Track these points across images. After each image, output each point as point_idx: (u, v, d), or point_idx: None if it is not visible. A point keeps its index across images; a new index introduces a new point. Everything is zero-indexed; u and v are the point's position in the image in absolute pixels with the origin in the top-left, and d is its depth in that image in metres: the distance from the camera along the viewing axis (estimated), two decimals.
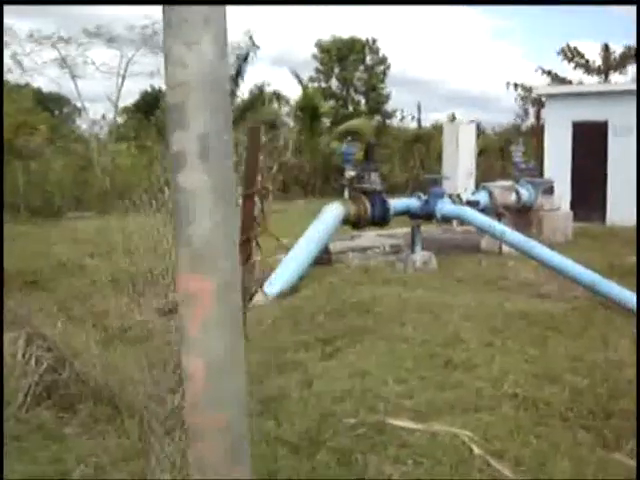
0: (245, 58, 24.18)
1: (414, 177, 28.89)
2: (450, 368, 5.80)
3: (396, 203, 10.77)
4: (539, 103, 33.46)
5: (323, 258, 11.66)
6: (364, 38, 44.77)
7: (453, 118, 36.18)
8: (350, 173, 10.17)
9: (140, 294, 10.08)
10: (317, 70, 44.96)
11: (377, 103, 44.57)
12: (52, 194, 21.23)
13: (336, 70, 45.07)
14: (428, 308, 7.97)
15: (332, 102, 44.83)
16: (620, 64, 32.52)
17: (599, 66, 33.17)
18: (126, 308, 9.34)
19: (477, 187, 12.77)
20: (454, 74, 64.49)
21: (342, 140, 26.75)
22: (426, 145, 32.27)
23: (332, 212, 10.14)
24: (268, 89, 26.22)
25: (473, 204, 11.82)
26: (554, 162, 18.42)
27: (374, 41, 45.16)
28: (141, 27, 22.86)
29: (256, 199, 2.87)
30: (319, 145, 29.08)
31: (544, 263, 9.47)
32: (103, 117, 31.61)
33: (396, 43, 62.01)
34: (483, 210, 12.30)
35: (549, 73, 33.43)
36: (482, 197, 12.26)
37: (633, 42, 31.76)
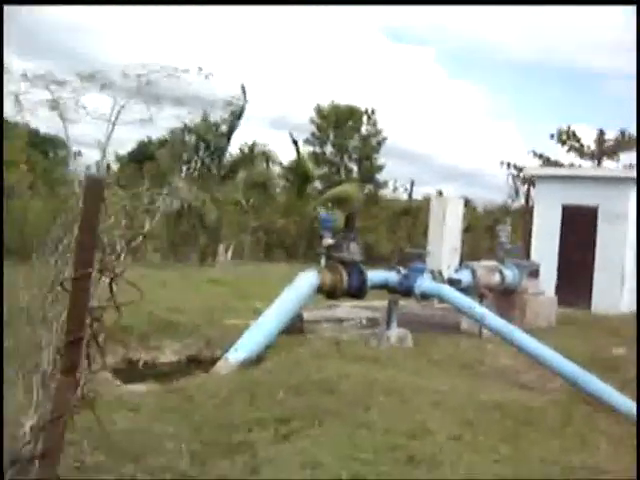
0: (239, 115, 23.94)
1: (399, 249, 28.57)
2: (412, 464, 5.26)
3: (374, 275, 10.32)
4: (530, 183, 33.48)
5: (295, 326, 11.16)
6: (363, 108, 44.98)
7: (440, 194, 36.06)
8: (328, 241, 9.73)
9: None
10: (313, 135, 45.01)
11: (370, 172, 44.52)
12: (29, 235, 20.71)
13: (332, 136, 45.13)
14: (397, 391, 7.44)
15: (325, 168, 44.86)
16: (613, 150, 32.59)
17: (593, 151, 33.25)
18: None
19: (461, 265, 12.37)
20: (447, 149, 65.05)
21: (329, 206, 26.51)
22: (414, 218, 32.10)
23: (306, 280, 9.68)
24: (259, 148, 25.90)
25: (455, 282, 11.38)
26: (541, 244, 18.11)
27: (373, 111, 45.34)
28: (136, 75, 22.68)
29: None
30: (307, 209, 28.82)
31: (523, 351, 9.01)
32: (97, 163, 31.43)
33: (391, 114, 62.46)
34: (465, 290, 11.85)
35: (540, 156, 33.47)
36: (465, 276, 11.83)
37: (627, 126, 32.01)
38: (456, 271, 12.15)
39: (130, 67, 21.97)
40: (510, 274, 12.72)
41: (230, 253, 25.58)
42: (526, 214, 29.08)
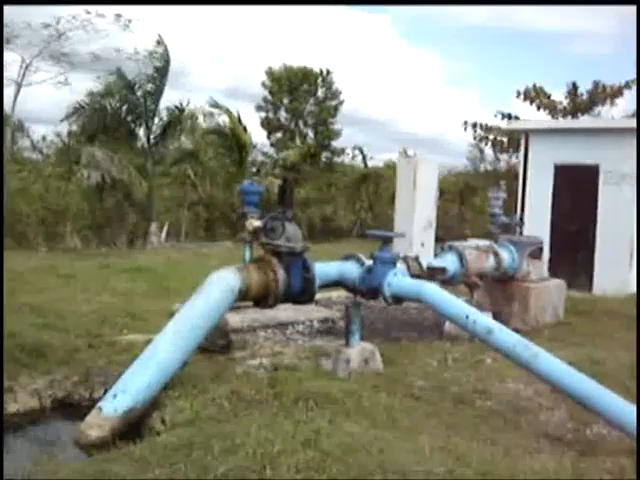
0: (164, 72, 20.28)
1: (360, 222, 25.42)
2: None
3: (324, 269, 7.06)
4: (499, 144, 30.35)
5: (216, 343, 8.03)
6: (317, 69, 41.79)
7: (405, 154, 32.78)
8: (254, 223, 6.48)
9: None
10: (265, 99, 41.73)
11: (326, 138, 41.42)
12: None
13: (285, 101, 41.90)
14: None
15: (279, 134, 41.61)
16: (588, 105, 29.53)
17: (565, 107, 30.18)
18: None
19: (443, 247, 9.18)
20: (406, 116, 62.36)
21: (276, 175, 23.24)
22: (376, 186, 28.90)
23: (221, 283, 6.42)
24: (190, 112, 22.24)
25: (437, 272, 8.24)
26: (530, 213, 15.05)
27: (328, 72, 42.13)
28: (43, 26, 18.94)
29: None
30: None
31: (554, 384, 5.88)
32: (43, 138, 27.83)
33: (348, 82, 59.48)
34: (450, 280, 8.75)
35: (509, 117, 30.13)
36: (450, 262, 8.66)
37: (600, 79, 29.07)
38: (436, 255, 8.97)
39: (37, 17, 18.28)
40: (507, 256, 9.59)
41: (164, 233, 22.14)
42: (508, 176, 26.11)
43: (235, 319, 8.64)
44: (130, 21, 19.72)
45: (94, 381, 7.02)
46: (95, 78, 20.46)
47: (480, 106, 66.37)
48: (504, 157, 31.45)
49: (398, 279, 6.79)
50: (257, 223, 6.55)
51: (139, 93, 20.34)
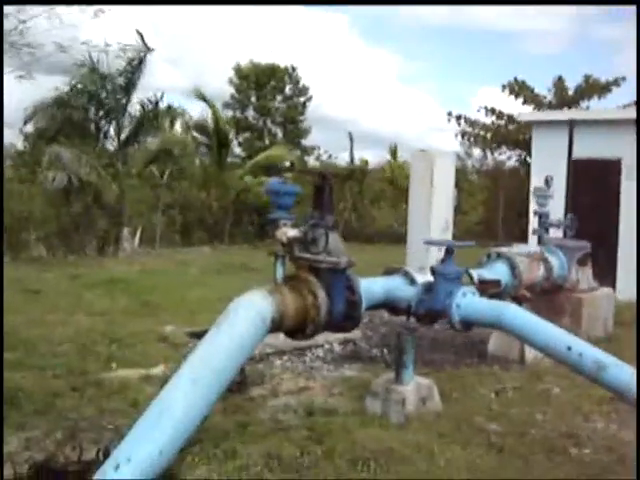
0: (140, 62, 18.71)
1: (345, 222, 23.91)
2: None
3: (369, 288, 5.61)
4: (486, 142, 29.22)
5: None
6: (283, 65, 40.45)
7: (395, 151, 31.45)
8: (289, 232, 5.00)
9: None
10: (233, 97, 40.20)
11: (295, 137, 40.08)
12: None
13: (253, 99, 40.46)
14: None
15: (247, 133, 40.16)
16: (577, 99, 28.57)
17: (550, 101, 29.23)
18: None
19: (489, 255, 7.76)
20: (366, 115, 61.55)
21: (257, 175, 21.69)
22: (359, 184, 27.44)
23: (247, 313, 4.86)
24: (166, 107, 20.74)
25: (491, 286, 6.85)
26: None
27: (294, 69, 40.79)
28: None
29: None
30: (229, 180, 23.62)
31: None
32: None
33: (307, 81, 58.81)
34: (501, 294, 7.37)
35: (493, 111, 28.99)
36: (502, 273, 7.29)
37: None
38: (483, 265, 7.57)
39: None
40: (557, 263, 8.26)
41: (137, 239, 20.54)
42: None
43: None
44: (102, 11, 17.97)
45: (83, 438, 5.51)
46: (60, 72, 18.75)
47: (438, 104, 65.96)
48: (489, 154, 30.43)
49: (469, 299, 5.38)
50: (292, 233, 5.07)
51: (109, 87, 18.74)
